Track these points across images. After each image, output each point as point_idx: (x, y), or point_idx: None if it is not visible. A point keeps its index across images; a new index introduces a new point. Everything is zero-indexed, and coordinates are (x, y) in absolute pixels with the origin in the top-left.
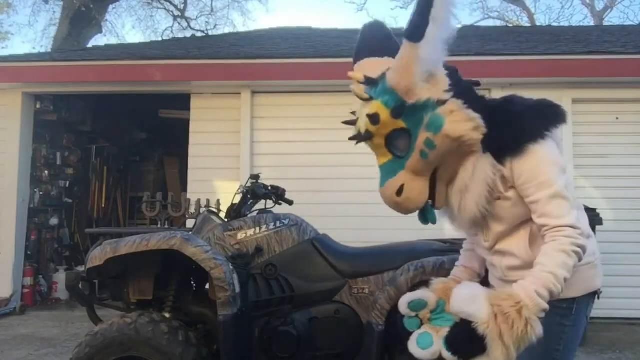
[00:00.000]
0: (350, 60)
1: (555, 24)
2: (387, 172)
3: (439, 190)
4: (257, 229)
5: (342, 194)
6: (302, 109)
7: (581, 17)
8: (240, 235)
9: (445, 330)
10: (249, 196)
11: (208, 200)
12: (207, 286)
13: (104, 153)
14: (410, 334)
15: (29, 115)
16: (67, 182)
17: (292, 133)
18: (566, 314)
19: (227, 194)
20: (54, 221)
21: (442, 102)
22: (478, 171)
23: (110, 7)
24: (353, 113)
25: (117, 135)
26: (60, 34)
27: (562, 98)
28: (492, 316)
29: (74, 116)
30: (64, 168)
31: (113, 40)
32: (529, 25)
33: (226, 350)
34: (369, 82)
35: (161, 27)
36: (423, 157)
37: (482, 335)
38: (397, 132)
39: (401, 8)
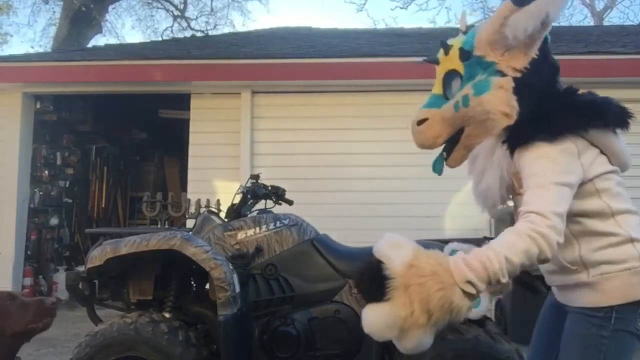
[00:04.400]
0: (350, 60)
1: (555, 24)
2: (430, 102)
3: (457, 150)
4: (257, 229)
5: (342, 194)
6: (302, 109)
7: (581, 17)
8: (240, 235)
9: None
10: (249, 196)
11: (208, 200)
12: (207, 286)
13: (104, 153)
14: None
15: (29, 115)
16: (67, 182)
17: (292, 133)
18: (603, 324)
19: (227, 194)
20: (54, 221)
21: (502, 74)
22: (496, 156)
23: (110, 7)
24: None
25: (117, 135)
26: (60, 34)
27: None
28: (407, 267)
29: (74, 116)
30: (64, 168)
31: (113, 40)
32: None
33: (226, 350)
34: (470, 27)
35: (161, 27)
36: (455, 108)
37: (387, 277)
38: (456, 73)
39: (401, 8)
